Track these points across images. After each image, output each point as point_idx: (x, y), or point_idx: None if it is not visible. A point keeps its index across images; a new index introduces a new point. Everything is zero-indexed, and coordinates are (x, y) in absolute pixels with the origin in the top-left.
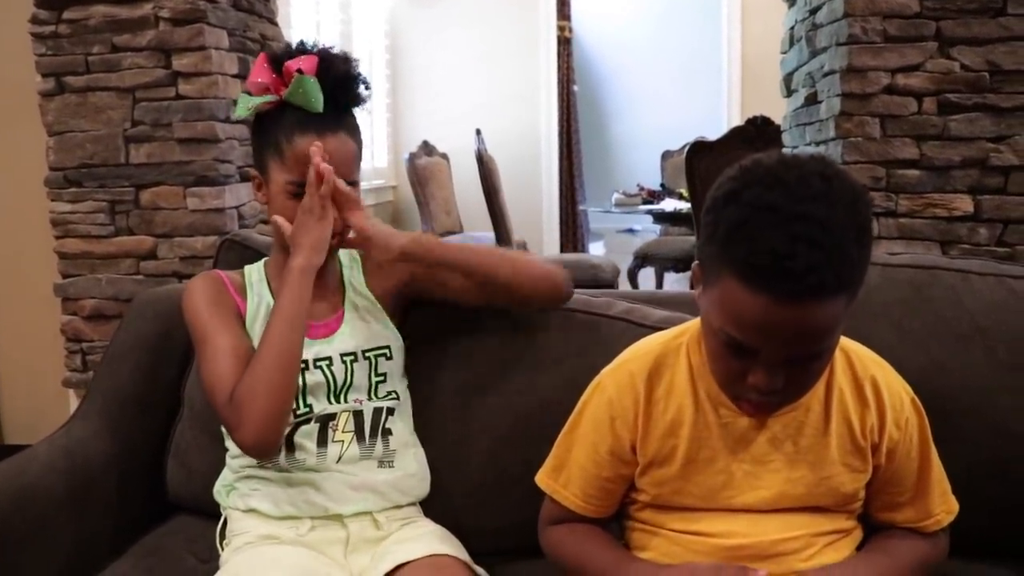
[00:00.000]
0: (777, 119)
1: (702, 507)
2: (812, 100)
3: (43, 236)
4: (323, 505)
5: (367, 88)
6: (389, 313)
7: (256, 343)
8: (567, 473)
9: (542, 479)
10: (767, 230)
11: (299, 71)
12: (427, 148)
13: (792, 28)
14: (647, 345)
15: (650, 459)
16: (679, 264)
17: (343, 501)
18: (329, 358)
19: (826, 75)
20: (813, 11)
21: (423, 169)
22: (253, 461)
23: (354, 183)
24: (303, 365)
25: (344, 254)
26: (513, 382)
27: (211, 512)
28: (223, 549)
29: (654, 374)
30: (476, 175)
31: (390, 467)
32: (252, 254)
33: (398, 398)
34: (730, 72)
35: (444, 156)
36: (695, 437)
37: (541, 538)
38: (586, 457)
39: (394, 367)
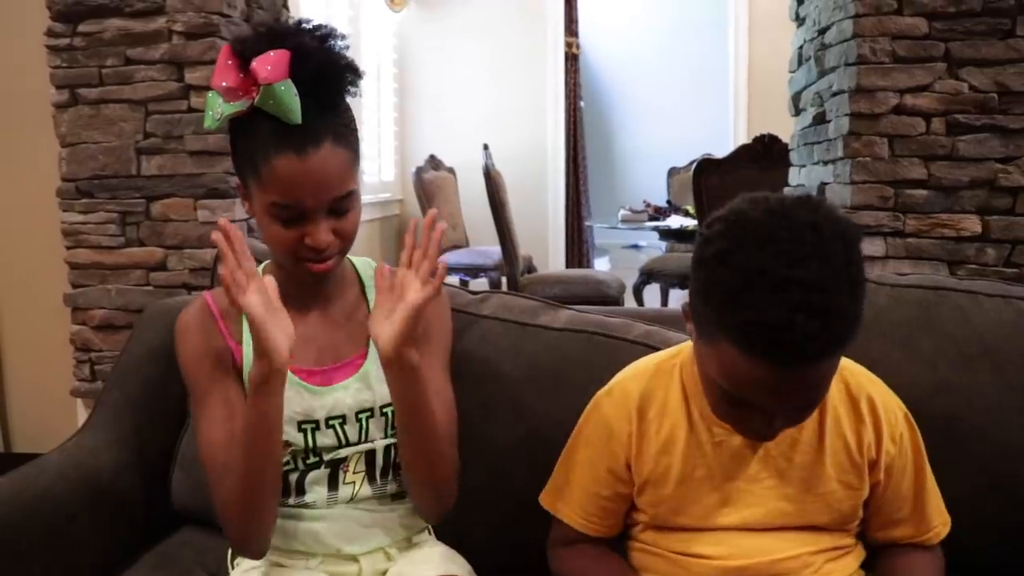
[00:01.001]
0: (784, 137)
1: (700, 527)
2: (820, 119)
3: (54, 246)
4: (335, 545)
5: (355, 73)
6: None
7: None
8: (568, 492)
9: (544, 499)
10: (762, 299)
11: (267, 80)
12: (434, 162)
13: (800, 47)
14: (641, 366)
15: (645, 478)
16: (685, 281)
17: (355, 540)
18: (343, 416)
19: (835, 95)
20: (822, 31)
21: (430, 183)
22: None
23: (350, 194)
24: (313, 425)
25: (366, 267)
26: (532, 404)
27: (218, 524)
28: (233, 568)
29: (647, 395)
30: (483, 190)
31: (402, 500)
32: None
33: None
34: (737, 90)
35: (451, 170)
36: (689, 456)
37: (550, 560)
38: (585, 476)
39: None
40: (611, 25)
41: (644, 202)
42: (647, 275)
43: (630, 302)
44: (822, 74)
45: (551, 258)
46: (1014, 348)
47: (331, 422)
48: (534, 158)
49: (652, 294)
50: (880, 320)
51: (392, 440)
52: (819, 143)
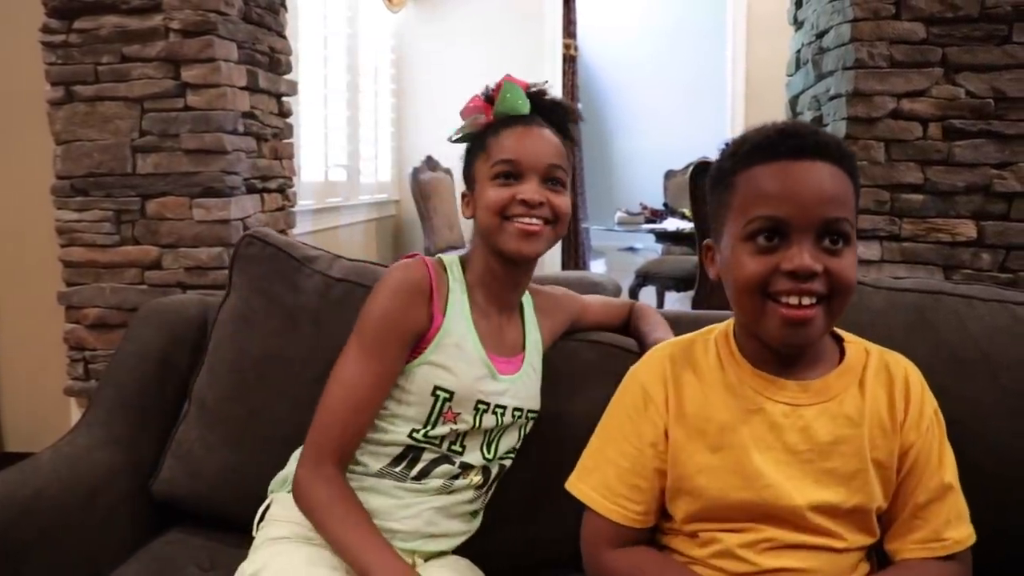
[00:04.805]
0: None
1: (737, 513)
2: (818, 123)
3: (48, 244)
4: (389, 538)
5: (576, 120)
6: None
7: (430, 363)
8: (602, 474)
9: (573, 483)
10: (765, 130)
11: (507, 80)
12: (431, 163)
13: (798, 51)
14: (675, 339)
15: (682, 445)
16: (680, 283)
17: (408, 540)
18: (505, 408)
19: (832, 99)
20: (820, 35)
21: (426, 184)
22: (372, 469)
23: (563, 172)
24: (485, 407)
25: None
26: (545, 407)
27: (211, 514)
28: (257, 531)
29: (681, 358)
30: None
31: (471, 519)
32: (272, 251)
33: (513, 458)
34: (734, 93)
35: (447, 171)
36: (725, 422)
37: (596, 562)
38: (621, 453)
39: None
40: (609, 27)
41: (641, 204)
42: (643, 277)
43: None
44: (820, 78)
45: (547, 259)
46: (1009, 353)
47: (497, 409)
48: None
49: (648, 296)
50: (876, 324)
51: (503, 462)
52: None
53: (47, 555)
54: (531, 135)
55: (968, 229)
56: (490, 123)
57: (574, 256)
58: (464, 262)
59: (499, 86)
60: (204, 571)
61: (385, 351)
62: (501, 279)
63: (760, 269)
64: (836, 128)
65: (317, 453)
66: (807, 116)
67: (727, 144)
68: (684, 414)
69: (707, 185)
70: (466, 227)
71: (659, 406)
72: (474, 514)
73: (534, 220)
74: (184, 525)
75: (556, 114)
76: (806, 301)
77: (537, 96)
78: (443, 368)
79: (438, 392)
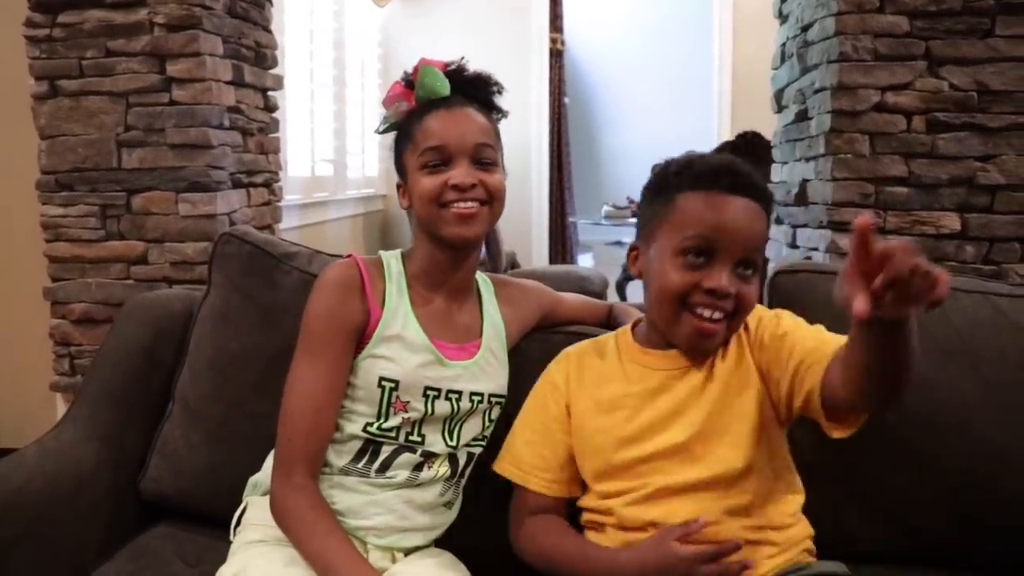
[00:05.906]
0: (767, 135)
1: (630, 461)
2: (803, 116)
3: (33, 239)
4: (363, 536)
5: (499, 91)
6: (508, 349)
7: (372, 356)
8: (515, 450)
9: (496, 464)
10: (705, 159)
11: (423, 63)
12: None
13: (784, 45)
14: (590, 339)
15: (582, 413)
16: None
17: (383, 536)
18: (459, 392)
19: (817, 92)
20: (805, 28)
21: None
22: (336, 467)
23: (491, 150)
24: (435, 393)
25: (481, 278)
26: (519, 399)
27: (197, 511)
28: (234, 535)
29: (586, 352)
30: None
31: (446, 510)
32: (249, 249)
33: (484, 445)
34: (721, 87)
35: None
36: (615, 391)
37: (515, 529)
38: (531, 430)
39: (497, 415)
40: (596, 21)
41: (628, 199)
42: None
43: (612, 298)
44: (804, 71)
45: (535, 254)
46: (991, 345)
47: (450, 395)
48: (518, 154)
49: (635, 290)
50: None
51: (472, 449)
52: (801, 140)
53: (32, 550)
54: (454, 117)
55: (952, 222)
56: (413, 109)
57: (561, 251)
58: (407, 255)
59: (416, 70)
60: (190, 566)
61: (330, 349)
62: (444, 265)
63: (684, 282)
64: (821, 121)
65: (286, 465)
66: (792, 109)
67: (667, 161)
68: (583, 389)
69: (645, 191)
70: None
71: (561, 387)
72: (448, 505)
73: (470, 203)
74: (171, 520)
75: (478, 89)
76: (716, 316)
77: (456, 74)
78: (385, 359)
79: (383, 383)
